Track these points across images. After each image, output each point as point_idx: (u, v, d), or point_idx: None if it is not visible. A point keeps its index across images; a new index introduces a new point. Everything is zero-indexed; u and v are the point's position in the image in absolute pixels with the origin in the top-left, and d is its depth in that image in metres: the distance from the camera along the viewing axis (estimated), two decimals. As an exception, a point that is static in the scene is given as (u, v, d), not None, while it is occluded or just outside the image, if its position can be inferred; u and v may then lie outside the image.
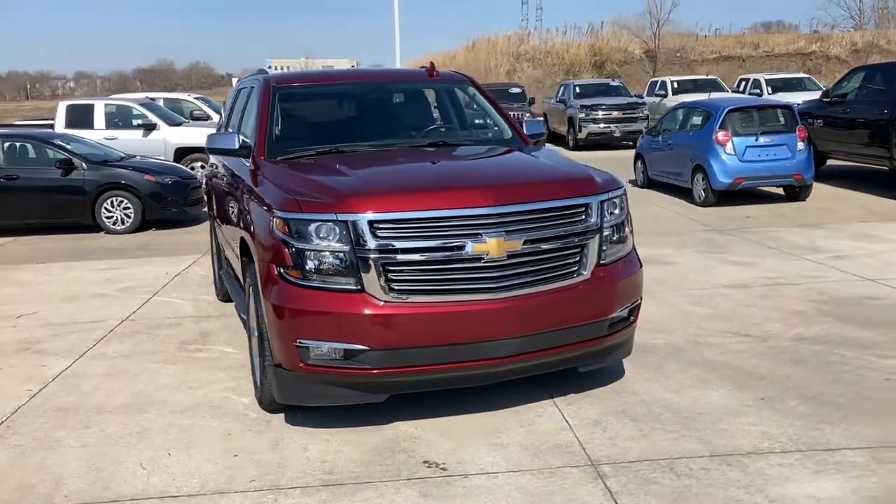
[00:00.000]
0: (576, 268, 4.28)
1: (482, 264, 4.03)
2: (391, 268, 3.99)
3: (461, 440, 4.14)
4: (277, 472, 3.87)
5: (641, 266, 4.71)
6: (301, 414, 4.44)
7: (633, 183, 14.42)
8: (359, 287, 3.99)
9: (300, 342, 4.05)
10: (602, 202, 4.38)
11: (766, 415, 4.34)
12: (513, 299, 4.09)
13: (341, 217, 4.00)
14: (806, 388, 4.69)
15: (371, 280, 3.97)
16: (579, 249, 4.28)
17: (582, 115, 21.77)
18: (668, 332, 5.88)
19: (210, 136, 5.37)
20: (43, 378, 5.36)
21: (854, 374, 4.88)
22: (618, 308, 4.42)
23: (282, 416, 4.48)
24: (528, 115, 21.64)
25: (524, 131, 5.79)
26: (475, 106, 5.92)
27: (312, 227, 4.02)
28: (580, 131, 21.81)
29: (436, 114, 5.97)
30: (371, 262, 3.96)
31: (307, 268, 4.04)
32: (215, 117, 18.06)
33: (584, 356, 4.45)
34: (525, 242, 4.10)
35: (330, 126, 5.71)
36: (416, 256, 4.01)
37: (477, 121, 5.87)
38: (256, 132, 5.20)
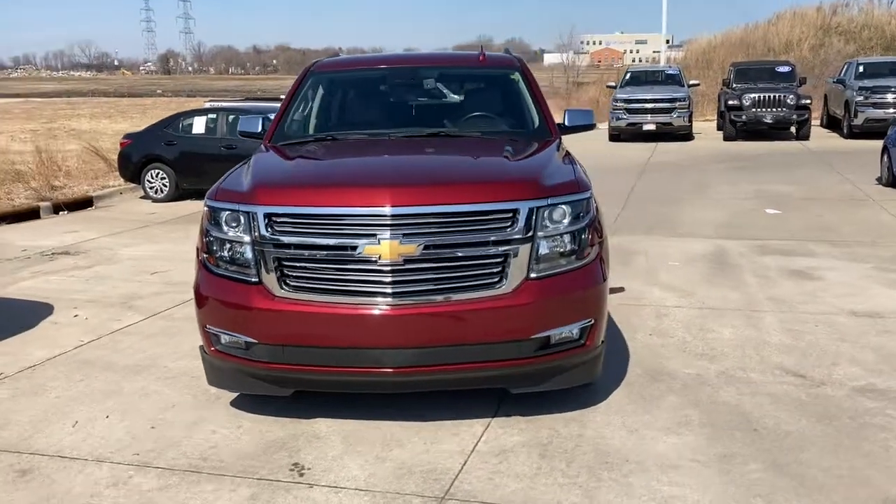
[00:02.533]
0: (495, 280, 3.85)
1: (375, 267, 3.79)
2: (286, 263, 3.90)
3: (353, 447, 3.96)
4: (165, 449, 4.00)
5: (604, 281, 4.12)
6: (250, 396, 4.53)
7: (878, 181, 12.48)
8: (257, 280, 3.95)
9: (208, 328, 4.13)
10: (537, 209, 3.88)
11: (700, 476, 3.60)
12: (409, 307, 3.80)
13: (243, 208, 3.98)
14: (791, 453, 3.81)
15: (268, 274, 3.92)
16: (500, 260, 3.84)
17: (859, 98, 19.13)
18: (713, 359, 5.08)
19: (241, 119, 5.59)
20: (103, 331, 6.00)
21: (880, 447, 3.87)
22: (549, 328, 3.91)
23: (235, 395, 4.61)
24: (791, 96, 19.54)
25: (568, 122, 5.29)
26: (517, 93, 5.49)
27: (224, 215, 4.05)
28: (856, 116, 19.19)
29: (476, 101, 5.64)
30: (268, 256, 3.91)
31: (218, 256, 4.09)
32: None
33: (507, 377, 4.02)
34: (426, 248, 3.77)
35: (349, 112, 5.64)
36: (309, 253, 3.87)
37: (516, 109, 5.44)
38: (276, 117, 5.32)
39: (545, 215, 3.90)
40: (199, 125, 12.98)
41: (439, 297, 3.81)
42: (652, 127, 20.16)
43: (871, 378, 4.73)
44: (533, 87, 5.40)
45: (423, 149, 4.86)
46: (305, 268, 3.89)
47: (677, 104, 20.10)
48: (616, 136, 20.83)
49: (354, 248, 3.79)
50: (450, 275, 3.82)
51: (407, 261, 3.76)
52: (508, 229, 3.83)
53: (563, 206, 3.95)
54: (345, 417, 4.28)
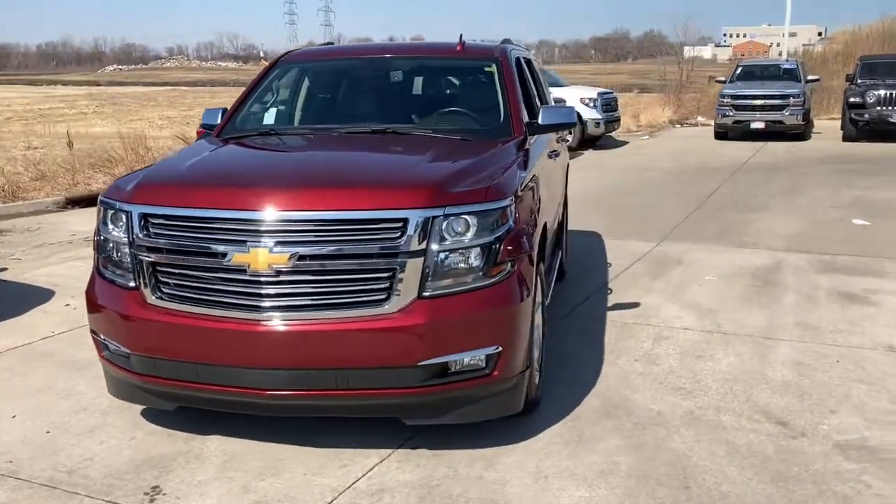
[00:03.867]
0: (380, 297, 3.39)
1: (246, 278, 3.41)
2: (160, 269, 3.59)
3: (228, 472, 3.60)
4: (41, 458, 3.77)
5: (521, 301, 3.58)
6: (166, 404, 4.27)
7: None
8: (135, 285, 3.66)
9: (96, 334, 3.89)
10: (433, 218, 3.39)
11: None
12: (282, 325, 3.40)
13: (123, 206, 3.69)
14: (717, 522, 3.16)
15: (145, 279, 3.62)
16: (386, 275, 3.38)
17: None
18: (689, 395, 4.42)
19: (205, 111, 5.34)
20: (77, 323, 5.92)
21: (834, 520, 3.16)
22: (444, 354, 3.42)
23: (152, 402, 4.36)
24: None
25: (542, 119, 4.74)
26: (489, 87, 4.97)
27: (109, 213, 3.78)
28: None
29: (444, 95, 5.15)
30: (143, 260, 3.61)
31: (104, 256, 3.83)
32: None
33: (396, 407, 3.55)
34: (300, 258, 3.36)
35: (308, 105, 5.25)
36: (182, 259, 3.54)
37: (483, 105, 4.92)
38: (231, 108, 5.04)
39: (444, 226, 3.40)
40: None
41: (316, 315, 3.39)
42: (760, 125, 18.78)
43: (867, 431, 3.95)
44: (507, 81, 4.86)
45: (355, 147, 4.43)
46: (178, 275, 3.56)
47: (790, 101, 18.63)
48: (722, 134, 19.57)
49: (224, 255, 3.43)
50: (328, 290, 3.39)
51: (280, 272, 3.37)
52: (396, 241, 3.36)
53: (468, 217, 3.44)
54: (240, 436, 3.93)
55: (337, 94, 5.28)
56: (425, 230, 3.36)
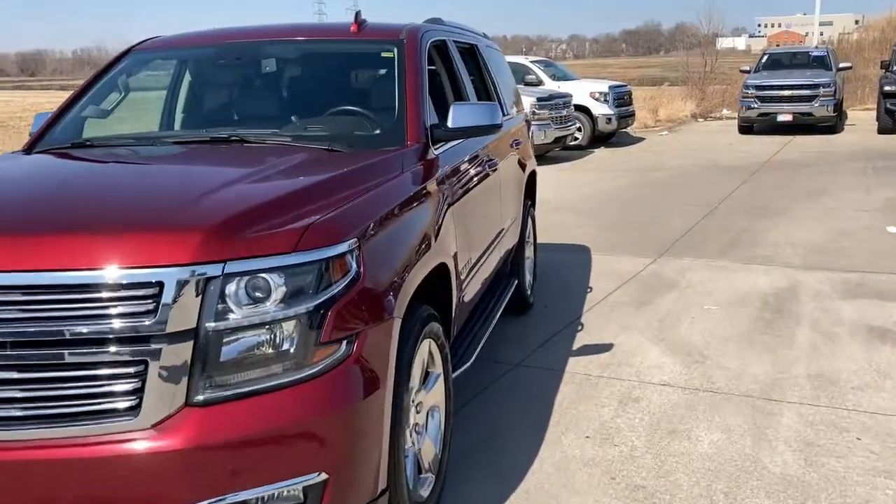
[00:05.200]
0: (125, 404, 2.17)
1: None
2: None
3: None
4: None
5: (363, 399, 2.37)
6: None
7: None
8: None
9: None
10: (208, 279, 2.18)
11: None
12: None
13: None
14: None
15: None
16: (134, 370, 2.18)
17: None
18: (655, 498, 3.17)
19: (35, 117, 4.19)
20: None
21: None
22: (231, 490, 2.21)
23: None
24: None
25: (453, 121, 3.51)
26: (385, 80, 3.75)
27: None
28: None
29: (326, 90, 3.94)
30: None
31: None
32: (549, 83, 16.67)
33: None
34: (-2, 343, 2.18)
35: (166, 108, 4.08)
36: None
37: (373, 103, 3.70)
38: (54, 112, 3.89)
39: (229, 291, 2.20)
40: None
41: (26, 433, 2.20)
42: (788, 118, 17.27)
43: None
44: (408, 71, 3.62)
45: (152, 167, 3.22)
46: None
47: (820, 91, 17.09)
48: (747, 127, 18.09)
49: None
50: (43, 395, 2.20)
51: (-27, 364, 2.19)
52: (146, 317, 2.15)
53: (269, 275, 2.23)
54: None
55: (193, 92, 4.10)
56: (195, 298, 2.17)
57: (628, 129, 18.42)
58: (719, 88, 25.84)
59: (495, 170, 4.43)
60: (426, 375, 3.03)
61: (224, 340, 2.20)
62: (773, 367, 4.54)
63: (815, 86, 17.09)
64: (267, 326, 2.23)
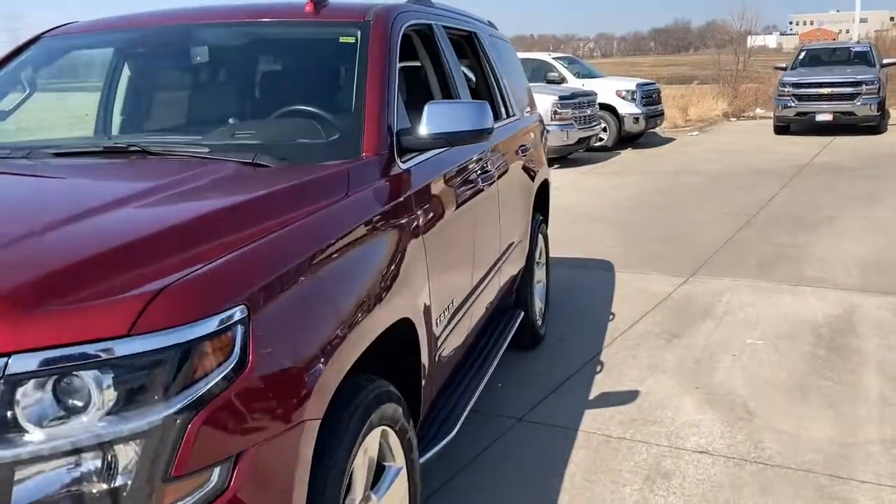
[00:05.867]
0: None
1: None
2: None
3: None
4: None
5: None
6: None
7: None
8: None
9: None
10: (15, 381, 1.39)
11: None
12: None
13: None
14: None
15: None
16: None
17: None
18: None
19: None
20: None
21: None
22: None
23: None
24: None
25: (428, 127, 2.67)
26: (343, 72, 2.93)
27: None
28: None
29: (270, 84, 3.13)
30: None
31: None
32: (573, 81, 15.78)
33: None
34: None
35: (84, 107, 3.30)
36: None
37: (325, 102, 2.88)
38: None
39: (19, 399, 1.39)
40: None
41: None
42: (827, 117, 16.19)
43: None
44: (372, 62, 2.78)
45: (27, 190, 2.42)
46: None
47: (863, 88, 16.00)
48: (783, 127, 17.04)
49: None
50: None
51: None
52: None
53: (86, 373, 1.41)
54: None
55: (110, 87, 3.29)
56: None
57: (657, 130, 17.46)
58: (752, 87, 24.72)
59: (492, 183, 3.60)
60: (379, 471, 2.21)
61: (16, 478, 1.39)
62: (837, 429, 3.66)
63: (858, 83, 16.01)
64: (85, 453, 1.41)
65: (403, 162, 2.63)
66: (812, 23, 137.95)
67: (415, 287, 2.43)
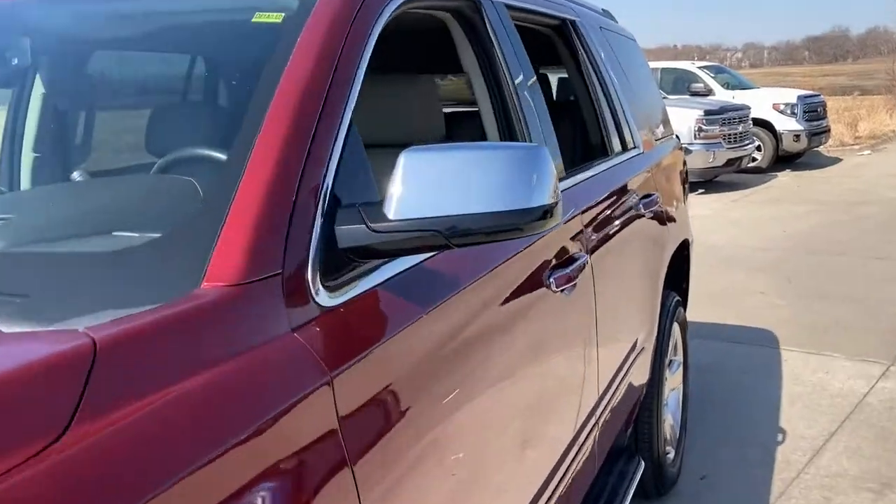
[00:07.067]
0: None
1: None
2: None
3: None
4: None
5: None
6: None
7: None
8: None
9: None
10: None
11: None
12: None
13: None
14: None
15: None
16: None
17: None
18: None
19: None
20: None
21: None
22: None
23: None
24: None
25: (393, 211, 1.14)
26: (258, 75, 1.42)
27: None
28: None
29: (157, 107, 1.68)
30: None
31: None
32: (721, 93, 13.78)
33: None
34: None
35: None
36: None
37: (221, 129, 1.41)
38: None
39: None
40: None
41: None
42: None
43: None
44: (301, 57, 1.26)
45: None
46: None
47: None
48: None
49: None
50: None
51: None
52: None
53: None
54: None
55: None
56: None
57: (819, 148, 15.10)
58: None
59: (580, 294, 1.99)
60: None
61: None
62: None
63: None
64: None
65: (334, 290, 1.12)
66: None
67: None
